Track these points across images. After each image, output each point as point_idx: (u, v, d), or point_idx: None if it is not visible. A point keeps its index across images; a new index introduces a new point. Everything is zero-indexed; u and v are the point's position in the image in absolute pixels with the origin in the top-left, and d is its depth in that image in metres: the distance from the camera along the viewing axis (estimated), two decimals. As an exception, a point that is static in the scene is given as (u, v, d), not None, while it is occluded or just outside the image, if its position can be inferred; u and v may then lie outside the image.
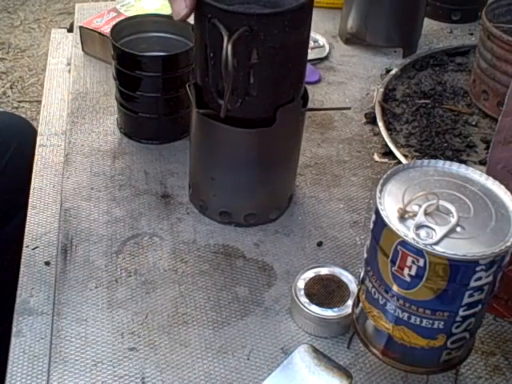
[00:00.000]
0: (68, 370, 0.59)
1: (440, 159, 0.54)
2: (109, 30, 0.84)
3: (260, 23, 0.60)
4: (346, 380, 0.54)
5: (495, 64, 0.88)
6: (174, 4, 0.61)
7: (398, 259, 0.48)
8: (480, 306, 0.50)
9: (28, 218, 0.75)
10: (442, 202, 0.49)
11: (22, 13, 2.67)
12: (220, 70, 0.60)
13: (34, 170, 0.82)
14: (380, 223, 0.49)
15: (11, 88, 2.28)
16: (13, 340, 0.62)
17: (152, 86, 0.81)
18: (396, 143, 0.86)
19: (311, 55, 1.04)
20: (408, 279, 0.49)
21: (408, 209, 0.48)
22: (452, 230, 0.47)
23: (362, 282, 0.56)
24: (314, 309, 0.62)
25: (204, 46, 0.63)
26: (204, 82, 0.66)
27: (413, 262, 0.47)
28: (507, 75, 0.87)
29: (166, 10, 1.01)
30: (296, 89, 0.67)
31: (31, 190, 0.79)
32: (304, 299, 0.62)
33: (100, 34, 0.97)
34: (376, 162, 0.84)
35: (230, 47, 0.58)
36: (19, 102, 2.22)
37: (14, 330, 0.63)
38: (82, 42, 1.01)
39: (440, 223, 0.48)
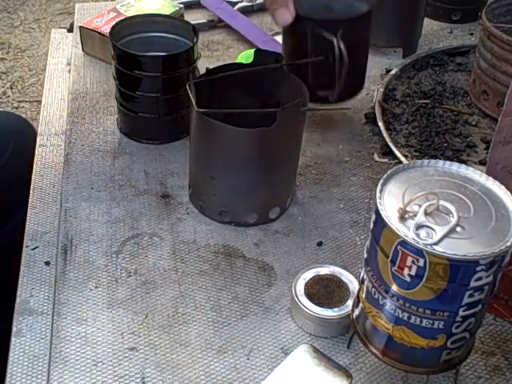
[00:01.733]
0: (68, 369, 0.59)
1: (440, 159, 0.54)
2: (109, 29, 0.84)
3: (350, 26, 0.77)
4: (346, 380, 0.54)
5: (495, 64, 0.88)
6: (278, 14, 0.74)
7: (398, 259, 0.48)
8: (480, 306, 0.50)
9: (28, 217, 0.75)
10: (442, 202, 0.49)
11: (22, 13, 2.67)
12: (321, 67, 0.72)
13: (33, 170, 0.82)
14: (380, 223, 0.49)
15: (11, 88, 2.28)
16: (13, 340, 0.62)
17: (152, 86, 0.81)
18: (396, 143, 0.86)
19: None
20: (408, 279, 0.49)
21: (408, 209, 0.48)
22: (452, 230, 0.47)
23: (361, 282, 0.56)
24: (314, 309, 0.62)
25: (302, 53, 0.77)
26: (305, 81, 0.72)
27: (413, 262, 0.47)
28: (507, 75, 0.87)
29: (166, 9, 1.01)
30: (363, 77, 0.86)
31: (31, 190, 0.79)
32: (304, 299, 0.62)
33: (100, 33, 0.97)
34: (376, 161, 0.84)
35: (341, 44, 0.75)
36: (19, 101, 2.22)
37: (14, 329, 0.63)
38: (81, 42, 1.01)
39: (440, 223, 0.48)
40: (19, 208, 0.83)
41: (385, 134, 0.86)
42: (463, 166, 0.53)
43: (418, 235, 0.47)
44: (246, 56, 0.97)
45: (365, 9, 0.83)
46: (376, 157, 0.85)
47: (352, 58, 0.78)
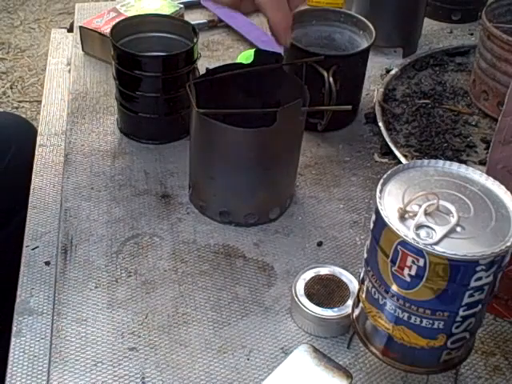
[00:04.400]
0: (68, 369, 0.59)
1: (440, 159, 0.54)
2: (109, 30, 0.84)
3: (344, 62, 0.81)
4: (345, 380, 0.54)
5: (495, 64, 0.88)
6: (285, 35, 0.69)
7: (398, 259, 0.48)
8: (480, 306, 0.50)
9: (28, 217, 0.75)
10: (442, 202, 0.49)
11: (22, 13, 2.67)
12: (313, 97, 0.71)
13: (34, 170, 0.82)
14: (380, 223, 0.49)
15: (11, 88, 2.28)
16: (13, 340, 0.62)
17: (152, 86, 0.81)
18: (396, 143, 0.86)
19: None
20: (408, 279, 0.49)
21: (408, 209, 0.48)
22: (452, 230, 0.47)
23: (361, 282, 0.56)
24: (314, 309, 0.62)
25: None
26: None
27: (413, 262, 0.47)
28: (507, 75, 0.87)
29: (166, 9, 1.01)
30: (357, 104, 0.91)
31: (31, 190, 0.79)
32: (304, 299, 0.62)
33: (100, 34, 0.97)
34: (376, 161, 0.84)
35: (331, 79, 0.79)
36: (19, 102, 2.22)
37: (14, 329, 0.63)
38: (81, 42, 1.01)
39: (440, 223, 0.48)
40: (20, 208, 0.83)
41: (385, 134, 0.86)
42: (463, 166, 0.53)
43: (418, 235, 0.47)
44: (245, 56, 0.97)
45: (364, 44, 0.86)
46: (376, 157, 0.85)
47: (343, 93, 0.80)
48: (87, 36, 0.99)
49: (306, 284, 0.64)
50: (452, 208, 0.49)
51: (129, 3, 1.02)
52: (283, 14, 0.67)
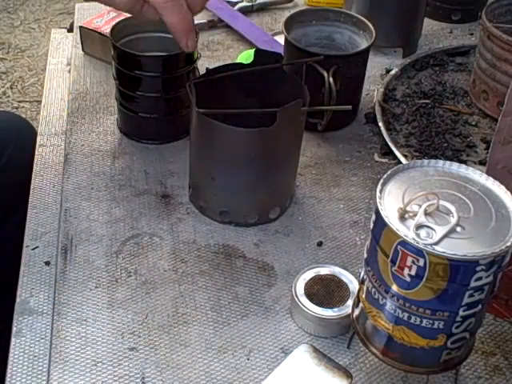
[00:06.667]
0: (68, 369, 0.59)
1: (440, 159, 0.54)
2: (109, 30, 0.84)
3: (344, 62, 0.81)
4: (345, 380, 0.54)
5: (495, 64, 0.88)
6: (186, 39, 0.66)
7: (398, 259, 0.48)
8: (480, 306, 0.50)
9: (28, 217, 0.75)
10: (442, 202, 0.49)
11: (22, 13, 2.67)
12: (313, 97, 0.71)
13: (33, 170, 0.82)
14: (380, 223, 0.49)
15: (11, 88, 2.28)
16: (13, 340, 0.62)
17: (152, 86, 0.81)
18: (396, 143, 0.86)
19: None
20: (408, 279, 0.49)
21: (408, 209, 0.48)
22: (452, 230, 0.47)
23: (361, 282, 0.56)
24: (314, 309, 0.62)
25: None
26: None
27: (413, 262, 0.47)
28: (507, 75, 0.87)
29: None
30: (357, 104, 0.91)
31: (31, 190, 0.79)
32: (304, 299, 0.62)
33: (100, 34, 0.97)
34: (376, 161, 0.84)
35: (331, 79, 0.79)
36: (19, 102, 2.22)
37: (14, 329, 0.63)
38: (81, 42, 1.00)
39: (440, 223, 0.48)
40: (19, 208, 0.83)
41: (385, 134, 0.86)
42: (463, 166, 0.53)
43: (418, 235, 0.47)
44: (246, 56, 0.97)
45: (364, 44, 0.86)
46: (376, 157, 0.85)
47: (343, 93, 0.80)
48: (87, 36, 0.99)
49: (306, 284, 0.64)
50: (452, 208, 0.49)
51: (129, 3, 1.02)
52: (182, 15, 0.64)
